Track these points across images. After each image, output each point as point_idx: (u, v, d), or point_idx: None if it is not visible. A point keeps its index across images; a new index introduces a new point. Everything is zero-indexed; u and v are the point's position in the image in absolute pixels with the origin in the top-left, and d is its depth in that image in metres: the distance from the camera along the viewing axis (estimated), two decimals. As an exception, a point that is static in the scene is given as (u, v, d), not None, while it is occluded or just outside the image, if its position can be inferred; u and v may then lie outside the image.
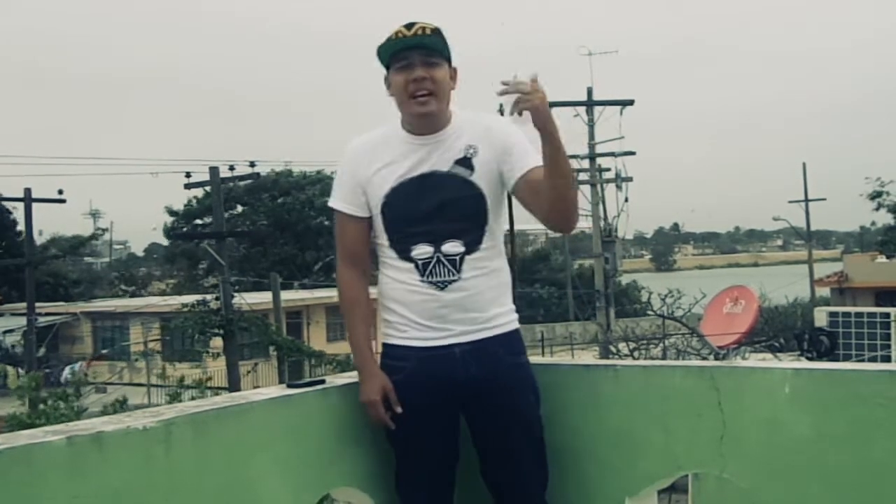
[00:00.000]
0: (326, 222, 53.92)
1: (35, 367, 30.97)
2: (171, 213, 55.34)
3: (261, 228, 49.10)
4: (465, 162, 3.29)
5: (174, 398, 11.95)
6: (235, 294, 25.63)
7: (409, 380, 3.33)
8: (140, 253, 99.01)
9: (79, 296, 47.86)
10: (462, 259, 3.28)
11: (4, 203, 40.71)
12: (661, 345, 24.59)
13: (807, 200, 49.44)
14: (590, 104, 32.19)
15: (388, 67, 3.31)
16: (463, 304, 3.28)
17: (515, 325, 3.41)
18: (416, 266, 3.29)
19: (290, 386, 3.39)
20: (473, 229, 3.30)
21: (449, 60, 3.32)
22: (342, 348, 38.02)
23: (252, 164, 27.66)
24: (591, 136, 32.24)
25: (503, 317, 3.36)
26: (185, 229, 54.11)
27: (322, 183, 55.29)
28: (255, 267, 49.90)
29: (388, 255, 3.37)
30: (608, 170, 32.85)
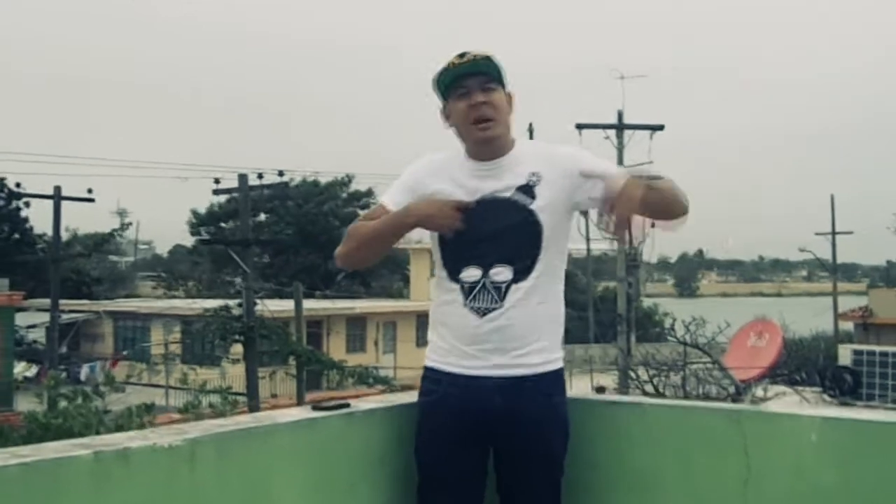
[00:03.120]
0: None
1: (56, 363, 31.17)
2: (196, 215, 55.68)
3: (285, 236, 49.25)
4: (527, 189, 3.26)
5: (195, 406, 11.95)
6: (258, 301, 25.69)
7: (442, 404, 3.31)
8: (164, 254, 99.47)
9: (101, 294, 48.16)
10: (508, 287, 3.23)
11: (28, 198, 41.00)
12: (682, 372, 24.46)
13: (834, 233, 49.16)
14: (620, 128, 32.20)
15: (445, 98, 3.32)
16: (501, 334, 3.23)
17: (557, 364, 3.33)
18: (462, 288, 3.27)
19: (314, 408, 3.38)
20: (525, 258, 3.25)
21: (504, 85, 3.32)
22: (361, 359, 38.20)
23: (280, 174, 27.74)
24: (621, 159, 32.21)
25: (543, 354, 3.29)
26: (210, 231, 54.42)
27: (347, 192, 55.56)
28: (279, 274, 50.08)
29: (440, 273, 3.37)
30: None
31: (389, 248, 3.47)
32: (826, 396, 11.59)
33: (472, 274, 3.25)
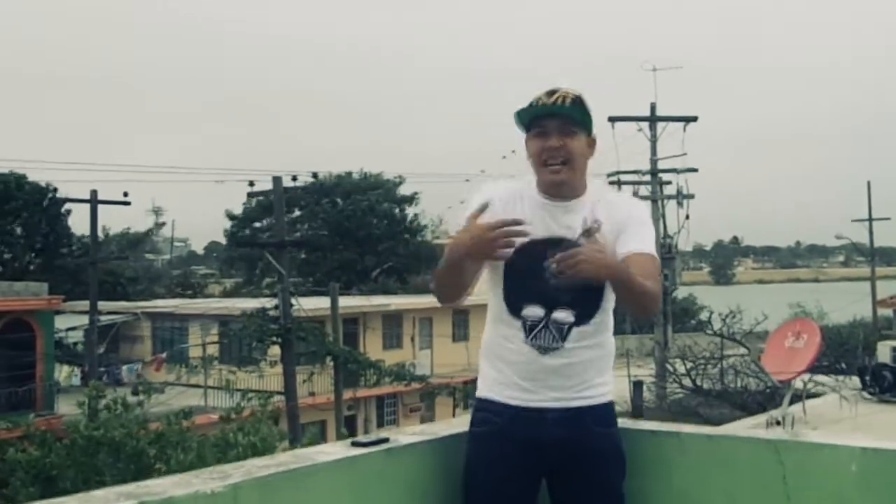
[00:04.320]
0: (388, 226, 54.27)
1: (95, 368, 31.45)
2: (231, 217, 55.93)
3: (319, 233, 49.37)
4: (589, 235, 3.24)
5: (238, 411, 12.01)
6: (293, 299, 25.78)
7: (498, 435, 3.33)
8: (200, 251, 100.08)
9: (138, 294, 48.51)
10: (570, 329, 3.27)
11: (68, 203, 41.43)
12: (720, 365, 24.38)
13: (871, 219, 48.70)
14: (653, 119, 32.04)
15: (527, 130, 3.32)
16: (561, 371, 3.28)
17: (609, 397, 3.39)
18: (524, 325, 3.29)
19: (354, 444, 3.39)
20: (588, 303, 3.29)
21: (589, 130, 3.32)
22: (398, 356, 38.29)
23: (315, 175, 27.82)
24: (654, 151, 32.06)
25: (599, 388, 3.35)
26: (245, 231, 54.67)
27: (384, 188, 55.64)
28: (314, 271, 50.29)
29: (498, 308, 3.36)
30: (669, 183, 32.65)
31: (466, 285, 3.33)
32: (865, 394, 11.52)
33: (534, 312, 3.28)
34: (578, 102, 3.27)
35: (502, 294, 3.34)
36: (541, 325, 3.27)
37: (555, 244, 3.23)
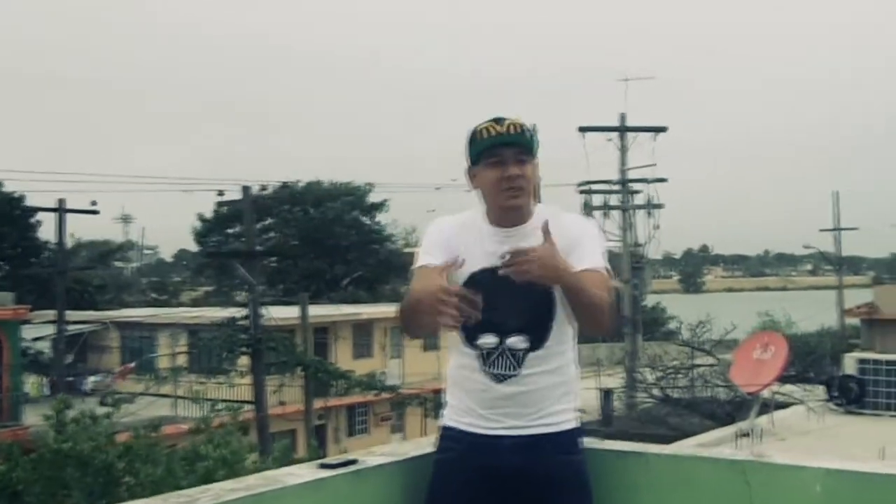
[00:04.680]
0: (356, 236, 54.20)
1: (62, 375, 31.22)
2: (203, 220, 55.67)
3: (289, 242, 49.24)
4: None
5: (206, 422, 11.98)
6: (263, 308, 25.69)
7: (457, 462, 3.35)
8: (169, 258, 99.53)
9: (107, 303, 48.20)
10: (525, 355, 3.28)
11: (33, 211, 41.19)
12: (689, 374, 24.51)
13: (838, 229, 49.09)
14: (623, 130, 32.17)
15: (474, 161, 3.33)
16: (518, 399, 3.29)
17: (573, 423, 3.37)
18: (480, 354, 3.31)
19: (322, 466, 3.40)
20: (540, 327, 3.30)
21: (535, 156, 3.35)
22: (368, 365, 38.19)
23: (285, 185, 27.77)
24: (624, 161, 32.20)
25: (560, 415, 3.34)
26: (215, 237, 54.47)
27: (352, 196, 55.57)
28: (285, 280, 50.11)
29: (455, 338, 3.37)
30: (639, 192, 32.77)
31: (432, 328, 3.24)
32: (832, 405, 11.63)
33: (488, 341, 3.30)
34: (528, 130, 3.31)
35: (479, 295, 3.28)
36: (496, 353, 3.29)
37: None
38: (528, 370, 3.28)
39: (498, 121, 3.29)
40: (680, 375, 24.51)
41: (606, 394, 24.64)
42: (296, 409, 29.74)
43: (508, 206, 3.30)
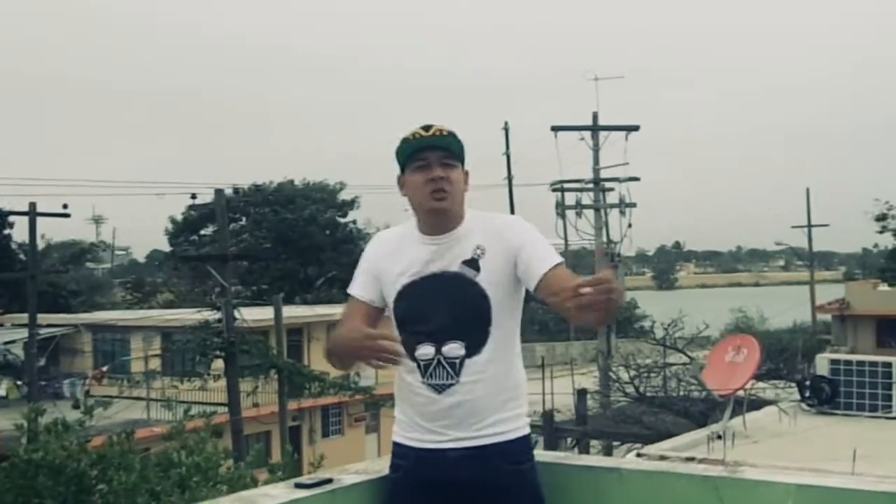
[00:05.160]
0: (329, 236, 54.14)
1: (35, 379, 31.02)
2: (174, 222, 55.47)
3: (262, 244, 49.12)
4: (472, 263, 3.29)
5: (178, 429, 11.94)
6: (237, 311, 25.62)
7: (405, 479, 3.37)
8: (142, 259, 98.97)
9: (80, 304, 47.95)
10: (462, 362, 3.26)
11: (4, 216, 40.95)
12: (662, 374, 24.62)
13: (810, 226, 49.44)
14: (595, 129, 32.25)
15: (403, 168, 3.35)
16: (460, 409, 3.26)
17: (521, 431, 3.35)
18: (419, 366, 3.30)
19: (297, 486, 3.40)
20: (475, 332, 3.28)
21: (463, 163, 3.36)
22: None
23: (258, 188, 27.72)
24: (596, 160, 32.27)
25: (505, 424, 3.31)
26: (188, 239, 54.28)
27: (325, 194, 55.50)
28: (258, 281, 50.02)
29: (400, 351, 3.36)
30: (612, 190, 32.85)
31: (357, 365, 3.52)
32: (804, 406, 11.75)
33: (425, 352, 3.28)
34: (454, 136, 3.32)
35: (400, 339, 3.30)
36: (434, 364, 3.28)
37: (433, 281, 3.31)
38: (466, 378, 3.26)
39: (426, 127, 3.31)
40: (653, 374, 24.61)
41: (581, 393, 24.71)
42: (270, 410, 29.66)
43: (433, 209, 3.29)
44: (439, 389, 3.27)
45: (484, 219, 3.42)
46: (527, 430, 3.41)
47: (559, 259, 3.28)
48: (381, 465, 3.75)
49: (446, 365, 3.27)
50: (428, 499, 3.31)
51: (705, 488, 3.40)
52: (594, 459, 3.49)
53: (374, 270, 3.42)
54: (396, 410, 3.45)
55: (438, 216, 3.31)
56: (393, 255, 3.39)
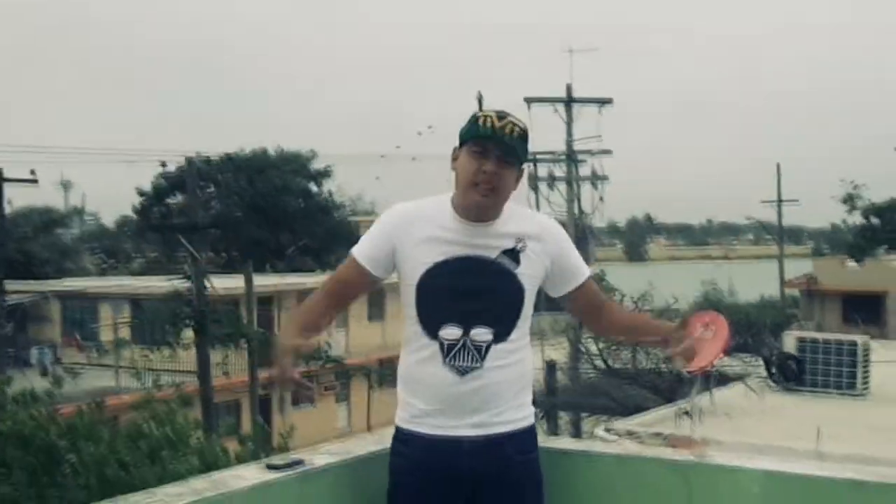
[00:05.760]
0: (301, 206, 53.94)
1: (1, 347, 30.84)
2: (141, 193, 55.00)
3: (233, 212, 48.82)
4: (513, 254, 3.25)
5: (148, 400, 11.94)
6: (207, 280, 25.50)
7: (414, 466, 3.31)
8: (111, 225, 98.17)
9: (49, 271, 47.58)
10: (489, 348, 3.23)
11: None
12: (632, 348, 24.74)
13: (780, 201, 49.72)
14: (569, 101, 32.26)
15: (462, 142, 3.27)
16: (480, 394, 3.23)
17: (530, 420, 3.37)
18: (441, 347, 3.23)
19: (269, 467, 3.40)
20: (507, 320, 3.26)
21: (522, 164, 3.31)
22: (312, 335, 37.96)
23: (229, 157, 27.56)
24: (570, 133, 32.32)
25: (519, 412, 3.32)
26: (157, 208, 53.91)
27: (298, 163, 55.24)
28: (228, 248, 49.81)
29: (414, 330, 3.30)
30: (584, 161, 32.92)
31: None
32: (771, 383, 11.88)
33: (451, 332, 3.22)
34: (523, 137, 3.24)
35: (416, 317, 3.28)
36: (459, 345, 3.22)
37: (468, 262, 3.24)
38: (490, 363, 3.23)
39: (500, 115, 3.23)
40: (623, 347, 24.73)
41: (550, 366, 24.80)
42: (240, 379, 29.63)
43: (476, 203, 3.22)
44: (462, 372, 3.22)
45: (524, 214, 3.39)
46: (533, 420, 3.41)
47: (589, 272, 3.37)
48: (352, 447, 3.77)
49: (472, 348, 3.22)
50: (437, 488, 3.27)
51: (674, 472, 3.45)
52: (565, 442, 3.52)
53: (392, 241, 3.29)
54: (404, 394, 3.35)
55: (480, 210, 3.25)
56: (421, 230, 3.27)
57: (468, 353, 3.22)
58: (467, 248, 3.25)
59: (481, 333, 3.22)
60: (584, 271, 3.37)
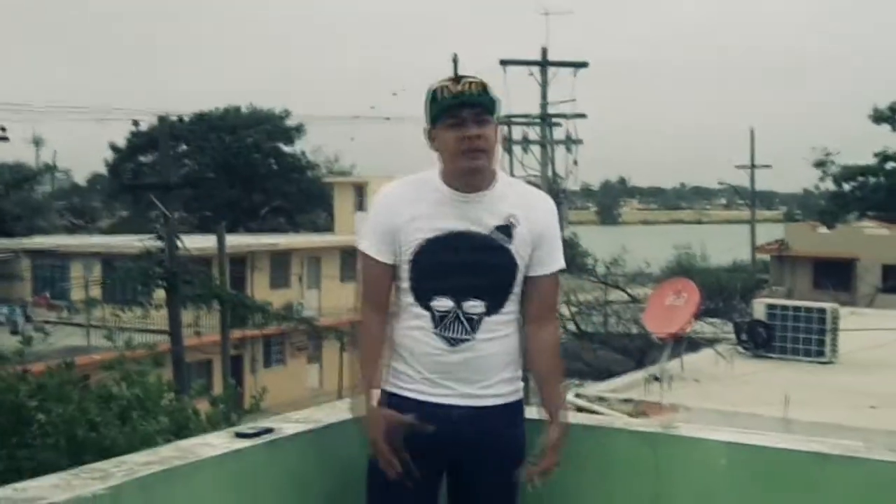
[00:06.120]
0: (275, 166, 53.70)
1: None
2: (115, 149, 54.66)
3: (205, 172, 48.57)
4: (506, 230, 3.26)
5: (119, 361, 11.83)
6: (179, 239, 25.37)
7: (408, 433, 3.30)
8: (83, 183, 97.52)
9: (20, 228, 47.22)
10: (480, 320, 3.25)
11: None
12: (604, 311, 24.92)
13: (753, 166, 49.92)
14: (544, 64, 32.16)
15: (433, 121, 3.26)
16: (470, 365, 3.25)
17: (518, 395, 3.38)
18: (433, 316, 3.25)
19: (238, 435, 3.40)
20: (499, 294, 3.28)
21: (497, 117, 3.29)
22: (285, 296, 38.04)
23: (201, 116, 27.34)
24: (545, 96, 32.24)
25: (508, 385, 3.34)
26: (129, 165, 53.61)
27: (270, 123, 54.94)
28: (201, 208, 49.60)
29: (406, 299, 3.31)
30: (559, 125, 32.88)
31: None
32: (741, 349, 12.00)
33: (443, 304, 3.25)
34: (486, 89, 3.23)
35: (409, 286, 3.30)
36: (450, 316, 3.24)
37: (463, 238, 3.25)
38: (482, 335, 3.25)
39: (456, 79, 3.22)
40: (594, 311, 24.91)
41: (522, 329, 24.92)
42: (212, 339, 29.57)
43: (468, 168, 3.21)
44: (453, 343, 3.24)
45: (517, 189, 3.39)
46: (521, 395, 3.42)
47: (561, 265, 3.36)
48: (321, 414, 3.78)
49: (464, 320, 3.24)
50: (423, 452, 3.27)
51: (641, 443, 3.48)
52: (533, 411, 3.51)
53: (389, 227, 3.29)
54: (393, 360, 3.35)
55: (474, 175, 3.24)
56: (413, 207, 3.27)
57: (459, 325, 3.25)
58: (461, 222, 3.26)
59: (474, 306, 3.24)
60: (559, 262, 3.36)
